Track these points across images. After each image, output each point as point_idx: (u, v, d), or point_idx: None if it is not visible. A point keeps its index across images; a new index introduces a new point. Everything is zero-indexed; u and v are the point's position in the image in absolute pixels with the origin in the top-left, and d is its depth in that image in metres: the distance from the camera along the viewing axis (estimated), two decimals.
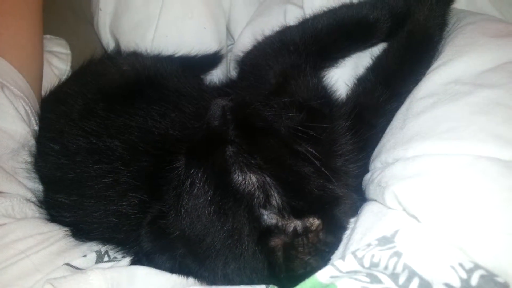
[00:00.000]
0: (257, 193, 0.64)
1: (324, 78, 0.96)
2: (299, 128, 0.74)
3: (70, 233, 0.82)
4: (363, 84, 0.96)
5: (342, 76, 1.00)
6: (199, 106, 0.91)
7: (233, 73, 1.08)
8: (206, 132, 0.71)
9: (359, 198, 0.80)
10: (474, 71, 0.78)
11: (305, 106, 0.85)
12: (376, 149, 0.84)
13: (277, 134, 0.71)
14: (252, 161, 0.65)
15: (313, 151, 0.73)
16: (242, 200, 0.64)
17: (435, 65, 0.85)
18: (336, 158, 0.81)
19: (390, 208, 0.66)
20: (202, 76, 1.17)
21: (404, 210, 0.62)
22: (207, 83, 1.13)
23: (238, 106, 0.72)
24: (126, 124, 0.87)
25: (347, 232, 0.68)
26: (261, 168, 0.65)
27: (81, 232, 0.82)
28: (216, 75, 1.18)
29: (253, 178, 0.65)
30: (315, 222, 0.65)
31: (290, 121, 0.76)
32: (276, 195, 0.65)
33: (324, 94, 0.91)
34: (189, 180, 0.68)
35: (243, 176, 0.65)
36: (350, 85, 0.99)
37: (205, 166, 0.67)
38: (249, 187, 0.65)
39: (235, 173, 0.65)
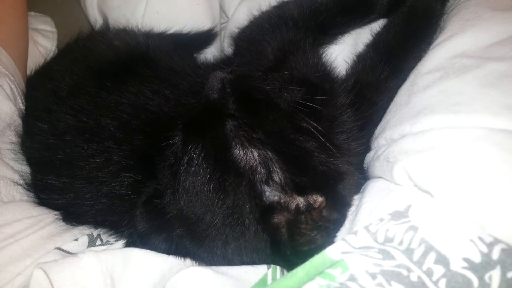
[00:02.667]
0: (259, 168, 0.61)
1: (324, 55, 0.93)
2: (300, 101, 0.71)
3: (61, 217, 0.78)
4: (363, 61, 0.93)
5: (342, 53, 0.97)
6: (194, 83, 0.87)
7: (229, 50, 1.04)
8: (204, 106, 0.67)
9: (361, 177, 0.78)
10: (481, 44, 0.76)
11: (305, 81, 0.82)
12: (379, 127, 0.81)
13: (278, 108, 0.67)
14: (254, 135, 0.62)
15: (316, 125, 0.70)
16: (243, 176, 0.61)
17: (439, 39, 0.83)
18: (338, 135, 0.78)
19: (398, 184, 0.63)
20: (195, 55, 1.12)
21: (416, 185, 0.59)
22: (201, 61, 1.09)
23: (238, 78, 0.68)
24: (118, 102, 0.83)
25: (352, 209, 0.66)
26: (263, 143, 0.62)
27: (72, 215, 0.78)
28: (210, 53, 1.14)
29: (255, 153, 0.62)
30: (318, 199, 0.62)
31: (290, 95, 0.72)
32: (278, 170, 0.62)
33: (324, 70, 0.88)
34: (187, 156, 0.64)
35: (244, 151, 0.62)
36: (349, 62, 0.96)
37: (204, 141, 0.63)
38: (251, 163, 0.61)
39: (235, 148, 0.62)
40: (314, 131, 0.66)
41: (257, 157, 0.61)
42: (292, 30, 0.90)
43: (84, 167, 0.78)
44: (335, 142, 0.76)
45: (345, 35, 0.97)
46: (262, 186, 0.61)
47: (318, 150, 0.65)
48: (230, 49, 1.01)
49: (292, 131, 0.65)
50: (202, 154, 0.63)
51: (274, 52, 0.88)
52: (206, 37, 1.11)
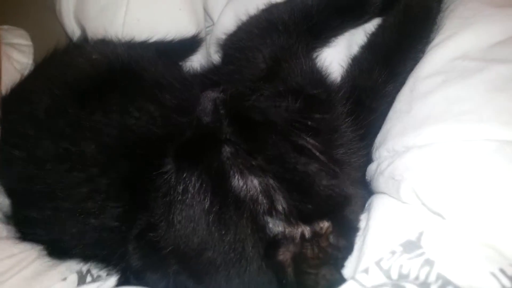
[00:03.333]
0: (260, 198, 0.57)
1: (318, 60, 0.88)
2: (299, 120, 0.66)
3: (46, 252, 0.72)
4: (358, 65, 0.89)
5: (336, 57, 0.92)
6: (182, 99, 0.82)
7: (216, 57, 0.98)
8: (197, 130, 0.62)
9: (365, 192, 0.74)
10: (482, 45, 0.72)
11: (301, 93, 0.77)
12: (379, 136, 0.77)
13: (276, 128, 0.63)
14: (253, 162, 0.57)
15: (317, 144, 0.66)
16: (244, 207, 0.56)
17: (437, 40, 0.79)
18: (338, 148, 0.74)
19: (405, 202, 0.59)
20: (180, 63, 1.06)
21: (424, 205, 0.55)
22: (187, 70, 1.03)
23: (231, 98, 0.63)
24: (100, 123, 0.77)
25: (359, 233, 0.62)
26: (263, 170, 0.57)
27: (58, 250, 0.72)
28: (196, 61, 1.08)
29: (255, 182, 0.57)
30: (324, 225, 0.58)
31: (287, 112, 0.68)
32: (281, 199, 0.57)
33: (320, 78, 0.83)
34: (181, 186, 0.59)
35: (244, 180, 0.57)
36: (344, 66, 0.91)
37: (199, 170, 0.58)
38: (251, 193, 0.57)
39: (234, 177, 0.57)
40: (315, 151, 0.62)
41: (258, 186, 0.57)
42: (283, 36, 0.84)
43: (68, 198, 0.72)
44: (335, 157, 0.72)
45: (339, 37, 0.92)
46: (265, 217, 0.56)
47: (321, 173, 0.60)
48: (217, 56, 0.96)
49: (292, 154, 0.60)
50: (198, 185, 0.58)
51: (266, 61, 0.83)
52: (191, 44, 1.05)
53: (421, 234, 0.51)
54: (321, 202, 0.58)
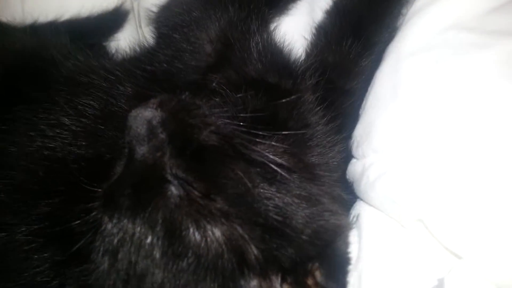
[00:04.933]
0: (226, 254, 0.43)
1: (275, 34, 0.71)
2: (263, 126, 0.52)
3: None
4: (324, 35, 0.73)
5: (297, 27, 0.76)
6: (108, 101, 0.64)
7: (149, 36, 0.78)
8: (130, 165, 0.46)
9: (349, 196, 0.62)
10: (478, 10, 0.59)
11: (261, 85, 0.62)
12: (360, 127, 0.64)
13: (236, 151, 0.48)
14: (212, 207, 0.43)
15: (288, 155, 0.52)
16: (207, 268, 0.42)
17: (418, 4, 0.64)
18: (311, 149, 0.60)
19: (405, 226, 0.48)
20: (104, 43, 0.85)
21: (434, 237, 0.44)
22: (113, 54, 0.83)
23: (173, 116, 0.47)
24: (3, 153, 0.58)
25: (352, 266, 0.50)
26: (226, 215, 0.43)
27: None
28: (124, 39, 0.87)
29: (217, 233, 0.43)
30: (311, 268, 0.46)
31: (246, 121, 0.52)
32: (253, 248, 0.44)
33: (281, 59, 0.67)
34: (117, 237, 0.45)
35: (202, 233, 0.42)
36: (308, 38, 0.75)
37: (138, 225, 0.43)
38: (214, 248, 0.43)
39: (188, 231, 0.42)
40: (287, 172, 0.48)
41: (221, 238, 0.43)
42: (231, 6, 0.67)
43: None
44: (310, 161, 0.59)
45: (298, 2, 0.75)
46: (236, 276, 0.43)
47: (298, 202, 0.47)
48: (151, 34, 0.76)
49: (261, 185, 0.46)
50: (137, 243, 0.43)
51: (213, 42, 0.65)
52: (114, 19, 0.84)
53: (442, 282, 0.40)
54: (303, 242, 0.46)
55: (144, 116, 0.45)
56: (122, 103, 0.64)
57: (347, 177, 0.65)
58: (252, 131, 0.50)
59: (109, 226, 0.45)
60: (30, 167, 0.57)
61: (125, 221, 0.44)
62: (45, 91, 0.64)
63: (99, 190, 0.48)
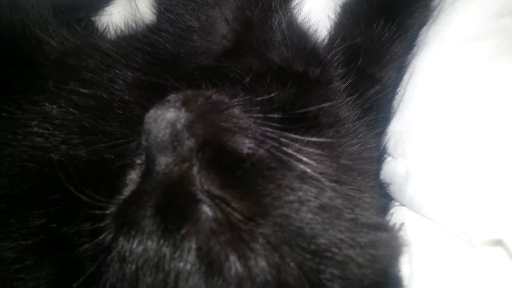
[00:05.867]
0: None
1: (297, 12, 0.62)
2: (299, 137, 0.43)
3: None
4: (353, 14, 0.65)
5: (320, 4, 0.66)
6: (102, 91, 0.54)
7: (147, 12, 0.67)
8: (148, 178, 0.37)
9: (384, 199, 0.55)
10: None
11: (288, 74, 0.53)
12: (398, 121, 0.56)
13: (277, 160, 0.39)
14: (257, 233, 0.35)
15: (329, 171, 0.44)
16: None
17: None
18: (345, 151, 0.53)
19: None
20: (93, 18, 0.74)
21: None
22: (104, 30, 0.71)
23: (201, 117, 0.38)
24: None
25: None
26: (273, 241, 0.35)
27: None
28: (118, 13, 0.75)
29: (262, 263, 0.35)
30: None
31: (277, 122, 0.44)
32: (303, 280, 0.36)
33: (306, 42, 0.59)
34: (137, 267, 0.36)
35: (245, 263, 0.35)
36: (333, 18, 0.66)
37: (165, 252, 0.35)
38: (259, 281, 0.35)
39: (229, 262, 0.34)
40: (332, 187, 0.40)
41: (267, 269, 0.35)
42: None
43: None
44: (346, 164, 0.51)
45: None
46: None
47: (348, 222, 0.40)
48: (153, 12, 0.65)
49: (309, 201, 0.38)
50: (165, 276, 0.35)
51: (230, 23, 0.56)
52: None
53: None
54: (357, 272, 0.38)
55: (167, 119, 0.36)
56: (121, 92, 0.54)
57: (381, 177, 0.58)
58: (290, 134, 0.42)
59: (126, 253, 0.36)
60: (15, 170, 0.47)
61: (149, 249, 0.35)
62: (30, 78, 0.53)
63: (104, 203, 0.40)
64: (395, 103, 0.60)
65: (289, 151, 0.40)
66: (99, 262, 0.39)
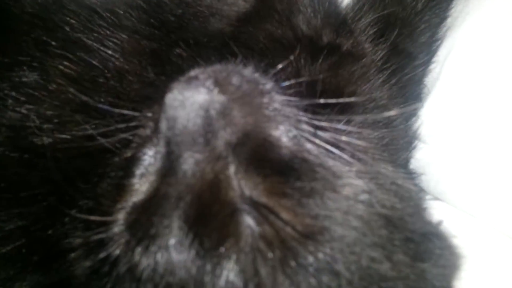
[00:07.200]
0: None
1: None
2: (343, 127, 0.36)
3: None
4: None
5: None
6: (91, 57, 0.44)
7: None
8: (172, 180, 0.29)
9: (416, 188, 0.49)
10: None
11: (317, 44, 0.45)
12: (434, 104, 0.50)
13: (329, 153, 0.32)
14: (317, 254, 0.28)
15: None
16: None
17: None
18: (380, 138, 0.46)
19: None
20: None
21: None
22: None
23: (239, 102, 0.30)
24: None
25: None
26: (335, 266, 0.28)
27: None
28: None
29: (312, 282, 0.28)
30: None
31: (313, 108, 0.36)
32: None
33: (336, 8, 0.50)
34: None
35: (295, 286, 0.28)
36: None
37: (197, 274, 0.28)
38: None
39: (275, 283, 0.27)
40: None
41: None
42: None
43: None
44: (382, 156, 0.44)
45: None
46: None
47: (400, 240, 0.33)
48: None
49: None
50: None
51: None
52: None
53: None
54: None
55: (199, 102, 0.28)
56: (115, 59, 0.45)
57: (411, 166, 0.52)
58: (339, 125, 0.34)
59: (144, 273, 0.29)
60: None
61: (177, 270, 0.28)
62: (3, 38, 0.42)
63: (105, 206, 0.32)
64: (427, 81, 0.53)
65: (342, 145, 0.32)
66: (99, 279, 0.32)
